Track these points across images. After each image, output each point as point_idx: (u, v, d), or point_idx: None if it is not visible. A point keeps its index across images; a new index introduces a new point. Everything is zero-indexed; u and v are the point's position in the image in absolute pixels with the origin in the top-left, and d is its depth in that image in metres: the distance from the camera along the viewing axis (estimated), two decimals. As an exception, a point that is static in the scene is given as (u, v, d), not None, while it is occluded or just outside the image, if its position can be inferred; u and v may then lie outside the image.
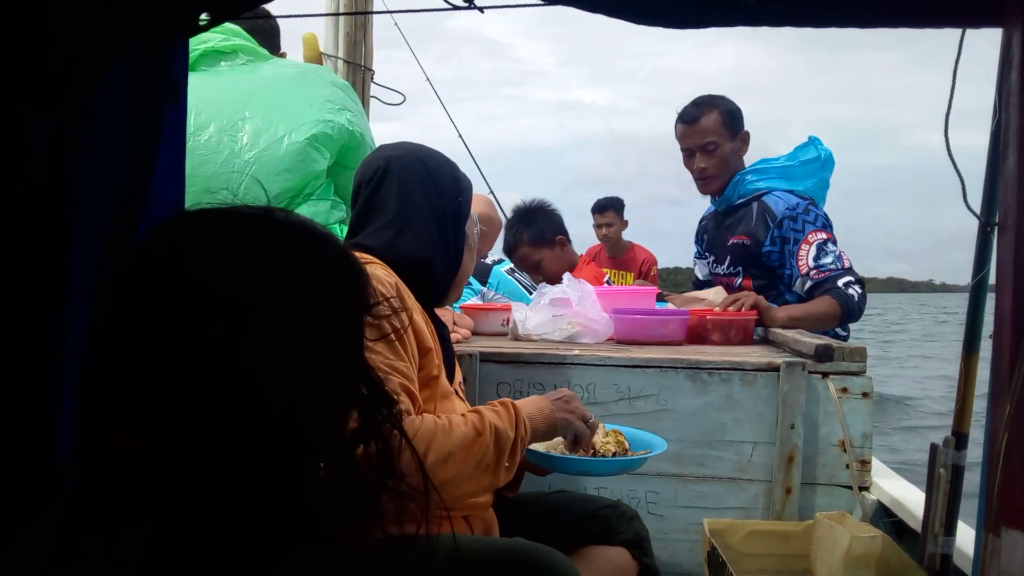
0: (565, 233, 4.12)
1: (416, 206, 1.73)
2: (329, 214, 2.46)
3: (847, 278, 2.87)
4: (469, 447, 1.48)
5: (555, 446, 1.76)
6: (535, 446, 1.70)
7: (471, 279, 3.42)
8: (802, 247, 2.92)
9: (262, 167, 2.33)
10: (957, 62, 1.18)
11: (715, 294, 2.89)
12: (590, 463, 1.72)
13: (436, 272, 1.72)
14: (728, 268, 3.14)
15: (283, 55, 2.89)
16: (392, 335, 1.50)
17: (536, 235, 4.02)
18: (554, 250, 4.04)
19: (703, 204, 3.40)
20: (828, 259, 2.90)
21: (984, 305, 1.30)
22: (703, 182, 3.19)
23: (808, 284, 2.89)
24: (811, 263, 2.90)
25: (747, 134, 3.19)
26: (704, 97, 3.19)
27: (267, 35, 2.76)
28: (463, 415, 1.54)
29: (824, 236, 2.93)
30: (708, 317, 2.59)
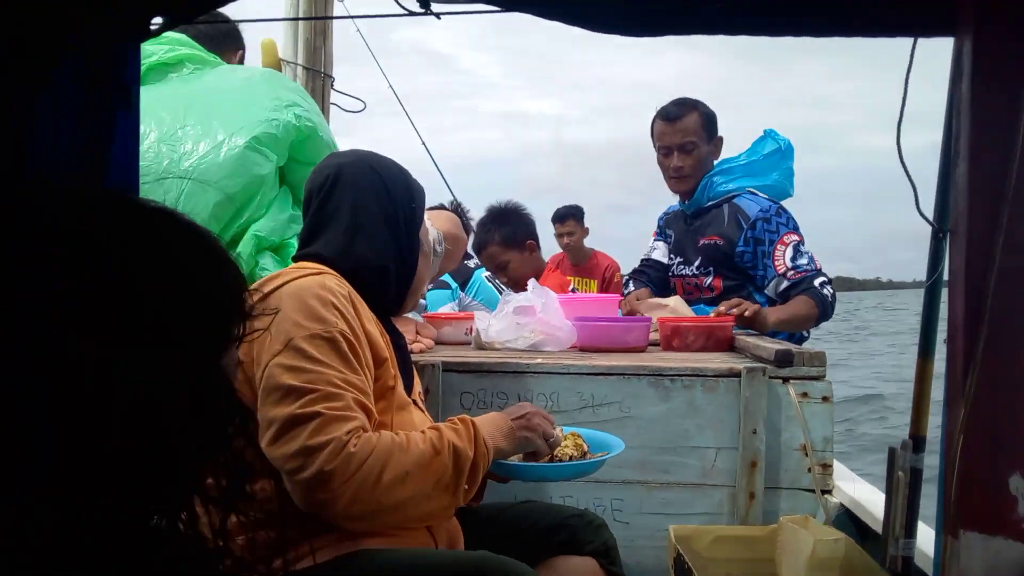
0: (536, 239, 4.13)
1: (370, 212, 1.71)
2: (287, 228, 2.40)
3: (821, 278, 2.95)
4: (427, 466, 1.46)
5: None
6: None
7: (450, 283, 3.40)
8: (778, 247, 2.98)
9: (202, 175, 2.27)
10: (909, 71, 1.20)
11: (676, 302, 2.91)
12: (547, 469, 1.71)
13: (391, 279, 1.70)
14: (698, 269, 3.17)
15: (241, 55, 2.84)
16: (344, 348, 1.48)
17: (507, 236, 4.01)
18: (523, 254, 4.04)
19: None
20: (803, 260, 2.97)
21: (938, 310, 1.32)
22: (677, 180, 3.23)
23: (784, 284, 2.96)
24: (788, 263, 2.97)
25: (720, 139, 3.27)
26: (685, 99, 3.25)
27: (215, 40, 2.71)
28: (422, 432, 1.52)
29: (797, 238, 3.01)
30: (688, 324, 2.59)
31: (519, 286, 4.04)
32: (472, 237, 4.06)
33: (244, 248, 2.30)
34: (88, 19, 1.22)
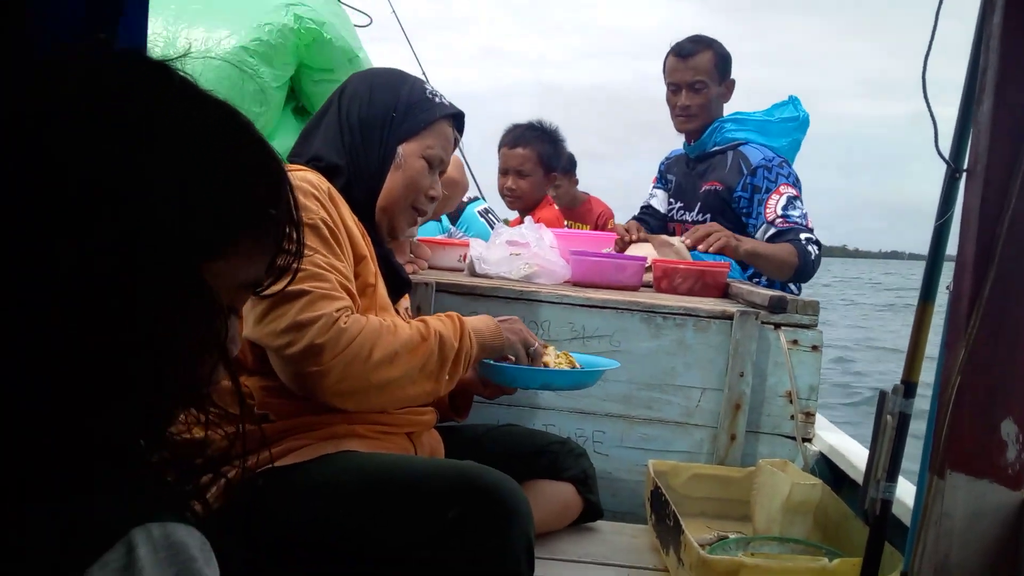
0: (556, 175, 4.05)
1: (341, 115, 1.68)
2: None
3: (808, 235, 2.90)
4: (414, 350, 1.49)
5: None
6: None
7: (442, 216, 3.35)
8: (772, 196, 2.93)
9: (200, 74, 2.18)
10: (940, 3, 1.17)
11: (679, 243, 2.88)
12: (550, 374, 1.72)
13: (345, 177, 1.65)
14: (698, 215, 3.13)
15: None
16: (326, 233, 1.47)
17: (545, 155, 3.90)
18: (544, 178, 3.95)
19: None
20: (795, 213, 2.92)
21: (944, 253, 1.30)
22: (683, 119, 3.17)
23: (771, 231, 2.91)
24: (779, 211, 2.91)
25: (732, 82, 3.19)
26: (701, 36, 3.18)
27: None
28: (408, 321, 1.55)
29: (794, 192, 2.96)
30: (681, 267, 2.56)
31: (523, 204, 3.98)
32: (506, 134, 3.96)
33: None
34: None
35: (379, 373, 1.44)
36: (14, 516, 0.64)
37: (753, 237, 2.95)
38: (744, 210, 2.99)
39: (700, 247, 2.74)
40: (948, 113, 1.28)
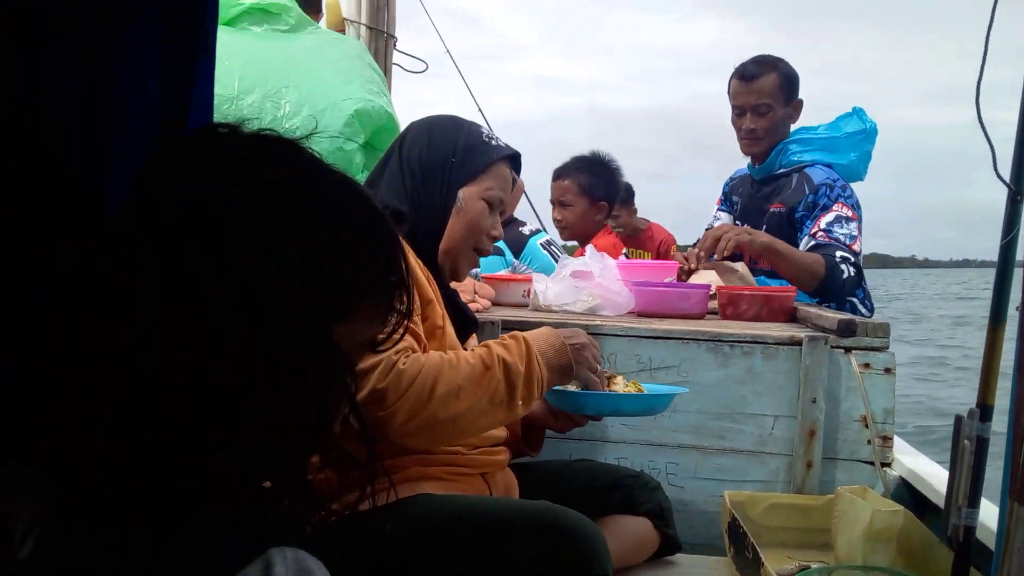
0: (610, 203, 4.06)
1: (403, 162, 1.73)
2: None
3: (846, 255, 2.83)
4: (478, 380, 1.50)
5: None
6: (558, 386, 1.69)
7: (504, 249, 3.39)
8: (827, 213, 2.89)
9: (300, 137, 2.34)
10: (989, 29, 1.17)
11: (743, 268, 2.86)
12: (621, 398, 1.71)
13: (409, 223, 1.69)
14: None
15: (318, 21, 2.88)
16: None
17: (586, 184, 3.94)
18: (590, 207, 3.96)
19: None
20: (841, 231, 2.86)
21: (1011, 276, 1.29)
22: (749, 143, 3.14)
23: (811, 244, 2.86)
24: (822, 226, 2.86)
25: (800, 102, 3.14)
26: (766, 56, 3.14)
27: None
28: (470, 351, 1.56)
29: (849, 213, 2.90)
30: (745, 293, 2.54)
31: (570, 233, 4.01)
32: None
33: None
34: None
35: (446, 409, 1.45)
36: (165, 524, 0.70)
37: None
38: (800, 227, 2.96)
39: (715, 256, 2.72)
40: (1012, 117, 1.26)
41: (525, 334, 1.61)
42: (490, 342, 1.59)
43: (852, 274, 2.82)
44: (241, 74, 2.41)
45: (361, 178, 2.48)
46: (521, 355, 1.56)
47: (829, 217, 2.88)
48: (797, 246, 2.95)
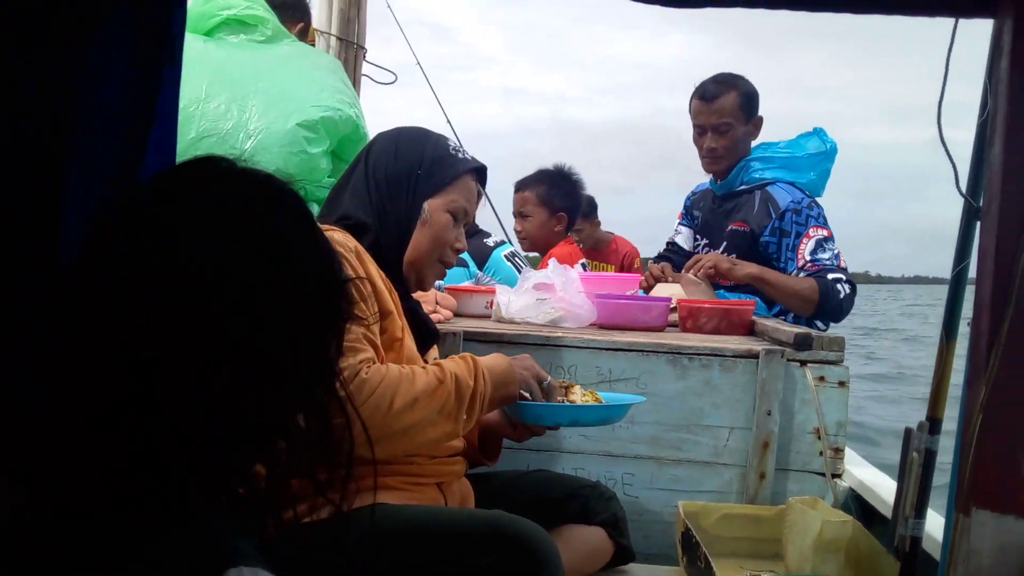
0: (571, 215, 4.08)
1: (368, 173, 1.74)
2: None
3: (838, 275, 2.89)
4: (432, 393, 1.52)
5: None
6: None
7: (468, 260, 3.40)
8: (803, 241, 2.94)
9: (264, 139, 2.35)
10: (950, 51, 1.21)
11: (705, 285, 2.90)
12: (578, 409, 1.74)
13: (373, 236, 1.70)
14: (723, 254, 3.14)
15: (302, 28, 2.88)
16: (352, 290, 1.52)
17: (545, 195, 3.97)
18: (549, 218, 3.99)
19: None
20: (825, 255, 2.92)
21: (964, 292, 1.33)
22: (710, 161, 3.17)
23: (801, 276, 2.92)
24: (807, 256, 2.92)
25: (760, 119, 3.18)
26: (725, 75, 3.17)
27: (279, 7, 2.76)
28: (423, 366, 1.58)
29: (825, 233, 2.96)
30: (705, 306, 2.58)
31: (530, 244, 4.04)
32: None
33: None
34: None
35: (401, 420, 1.48)
36: (118, 546, 0.69)
37: None
38: (774, 255, 2.99)
39: (690, 273, 2.77)
40: (969, 137, 1.31)
41: (475, 356, 1.66)
42: (442, 360, 1.64)
43: (848, 291, 2.89)
44: (210, 79, 2.42)
45: (327, 185, 2.49)
46: (470, 370, 1.60)
47: (810, 245, 2.94)
48: (763, 263, 3.00)
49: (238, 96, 2.40)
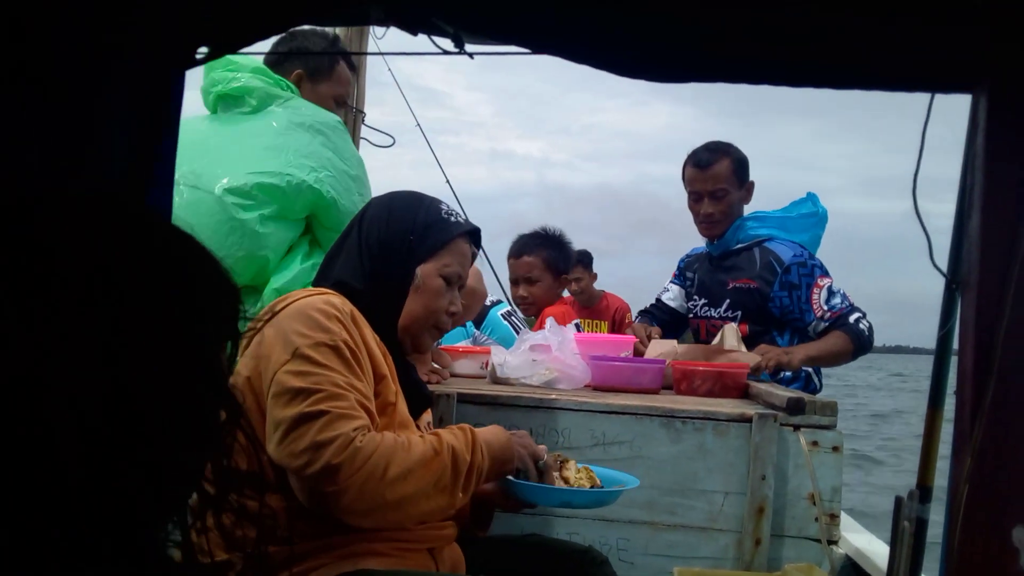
0: (567, 276, 4.15)
1: (361, 240, 1.75)
2: (309, 276, 2.41)
3: (856, 314, 3.05)
4: (428, 465, 1.51)
5: None
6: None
7: (466, 321, 3.40)
8: (815, 291, 3.08)
9: (191, 206, 2.33)
10: (926, 125, 1.23)
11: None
12: (570, 493, 1.72)
13: (365, 301, 1.69)
14: (726, 312, 3.19)
15: (299, 74, 2.75)
16: (347, 355, 1.52)
17: (552, 260, 4.03)
18: (555, 281, 4.06)
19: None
20: (837, 299, 3.07)
21: (949, 361, 1.33)
22: (707, 226, 3.27)
23: (822, 326, 3.05)
24: (824, 305, 3.06)
25: (752, 184, 3.30)
26: (717, 143, 3.28)
27: (278, 64, 2.73)
28: (421, 436, 1.57)
29: (831, 281, 3.10)
30: (699, 369, 2.59)
31: (536, 308, 4.06)
32: (513, 245, 4.12)
33: (268, 300, 2.33)
34: (136, 46, 1.27)
35: (394, 490, 1.45)
36: None
37: (807, 333, 3.10)
38: (787, 308, 3.10)
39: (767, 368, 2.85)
40: (945, 210, 1.33)
41: (473, 427, 1.65)
42: (439, 430, 1.62)
43: (868, 324, 3.06)
44: (183, 155, 2.37)
45: (275, 247, 2.47)
46: (468, 444, 1.59)
47: (823, 295, 3.08)
48: (772, 321, 3.13)
49: (188, 170, 2.38)
